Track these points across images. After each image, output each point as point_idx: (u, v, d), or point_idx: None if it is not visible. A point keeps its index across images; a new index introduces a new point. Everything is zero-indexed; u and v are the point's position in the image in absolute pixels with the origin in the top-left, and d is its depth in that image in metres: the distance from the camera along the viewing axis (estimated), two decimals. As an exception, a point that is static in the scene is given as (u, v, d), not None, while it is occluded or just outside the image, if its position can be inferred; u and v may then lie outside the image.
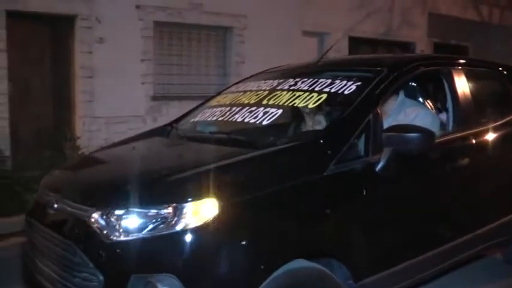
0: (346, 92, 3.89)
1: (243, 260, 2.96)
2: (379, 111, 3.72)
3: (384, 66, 4.11)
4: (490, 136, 4.59)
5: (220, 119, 4.23)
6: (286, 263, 3.05)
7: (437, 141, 4.03)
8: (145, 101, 9.72)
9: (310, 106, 3.92)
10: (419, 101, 4.61)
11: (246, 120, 4.00)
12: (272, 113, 3.94)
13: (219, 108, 4.41)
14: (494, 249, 5.12)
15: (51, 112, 9.39)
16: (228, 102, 4.46)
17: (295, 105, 4.00)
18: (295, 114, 4.07)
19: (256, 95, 4.32)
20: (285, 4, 11.25)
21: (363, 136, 3.58)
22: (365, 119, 3.61)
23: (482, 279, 5.07)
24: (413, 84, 4.66)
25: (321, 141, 3.48)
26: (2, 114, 8.64)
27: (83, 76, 9.38)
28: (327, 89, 4.00)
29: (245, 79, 4.89)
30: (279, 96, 4.13)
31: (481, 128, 4.55)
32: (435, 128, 4.28)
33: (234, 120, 4.10)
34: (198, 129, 4.26)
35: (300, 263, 3.14)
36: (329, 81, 4.08)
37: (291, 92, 4.13)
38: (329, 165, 3.35)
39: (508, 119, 4.92)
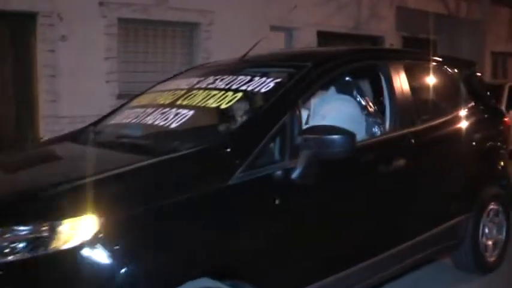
0: (262, 90, 3.43)
1: (131, 282, 2.50)
2: (298, 110, 3.27)
3: (309, 61, 3.60)
4: (432, 135, 4.13)
5: (132, 121, 3.74)
6: (188, 282, 2.63)
7: (366, 142, 3.52)
8: (110, 100, 9.19)
9: (223, 106, 3.41)
10: (349, 97, 4.07)
11: (155, 123, 3.53)
12: (183, 114, 3.48)
13: (135, 110, 3.93)
14: (443, 254, 4.58)
15: (13, 112, 8.90)
16: (144, 103, 3.96)
17: (208, 105, 3.48)
18: (206, 115, 3.54)
19: (173, 94, 3.85)
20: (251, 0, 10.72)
21: (278, 139, 3.12)
22: (280, 120, 3.15)
23: (431, 285, 4.67)
24: (348, 79, 4.12)
25: (226, 146, 3.00)
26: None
27: (45, 75, 8.89)
28: (243, 87, 3.54)
29: (172, 77, 4.35)
30: (193, 96, 3.67)
31: (421, 127, 4.08)
32: (357, 127, 3.76)
33: (144, 123, 3.60)
34: (107, 133, 3.75)
35: (203, 283, 2.71)
36: (248, 78, 3.62)
37: (206, 91, 3.65)
38: (235, 173, 2.88)
39: (451, 116, 4.43)
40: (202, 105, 3.51)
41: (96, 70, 9.20)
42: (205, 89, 3.69)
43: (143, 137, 3.49)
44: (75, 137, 3.88)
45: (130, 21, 9.62)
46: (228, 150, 2.96)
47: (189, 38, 10.31)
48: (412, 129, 3.94)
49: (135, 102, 4.18)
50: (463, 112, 4.59)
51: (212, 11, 10.35)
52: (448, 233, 4.27)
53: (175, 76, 4.36)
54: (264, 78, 3.52)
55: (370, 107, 4.11)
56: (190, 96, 3.66)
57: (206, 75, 3.96)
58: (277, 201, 3.00)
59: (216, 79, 3.77)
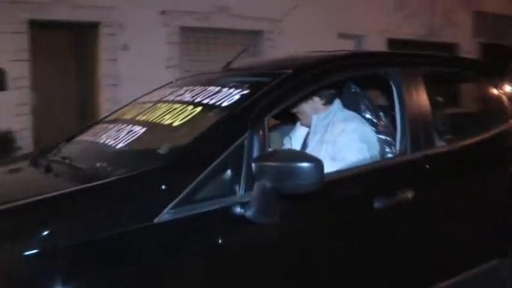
0: (224, 104, 2.70)
1: None
2: (261, 130, 2.54)
3: (290, 69, 2.87)
4: (456, 160, 3.22)
5: (89, 139, 3.14)
6: None
7: (352, 172, 2.74)
8: (170, 109, 8.71)
9: (176, 123, 2.73)
10: (354, 115, 3.25)
11: (105, 142, 2.92)
12: (134, 132, 2.85)
13: (102, 125, 3.33)
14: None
15: (76, 121, 8.62)
16: (113, 118, 3.37)
17: (162, 122, 2.83)
18: (156, 134, 2.87)
19: (141, 107, 3.23)
20: (319, 6, 9.90)
21: (231, 166, 2.42)
22: (235, 142, 2.45)
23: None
24: (354, 90, 3.32)
25: (157, 174, 2.33)
26: (25, 125, 8.05)
27: (107, 84, 8.62)
28: (206, 100, 2.88)
29: (161, 87, 3.72)
30: (154, 111, 3.04)
31: (441, 149, 3.20)
32: (368, 151, 2.98)
33: (97, 141, 3.02)
34: (60, 152, 3.17)
35: None
36: (217, 89, 2.94)
37: (169, 105, 3.02)
38: (164, 209, 2.22)
39: (486, 135, 3.45)
40: (157, 121, 2.87)
41: (157, 79, 8.55)
42: (170, 102, 3.06)
43: (83, 159, 2.90)
44: (36, 154, 3.34)
45: (192, 29, 9.14)
46: (159, 179, 2.29)
47: (253, 47, 9.63)
48: (429, 152, 3.06)
49: (108, 117, 3.59)
50: (501, 131, 3.61)
51: (277, 18, 9.66)
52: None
53: (162, 87, 3.72)
54: (232, 90, 2.84)
55: (382, 123, 3.28)
56: (152, 111, 3.05)
57: (183, 85, 3.31)
58: (220, 241, 2.30)
59: (187, 90, 3.14)
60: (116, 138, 2.86)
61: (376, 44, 10.29)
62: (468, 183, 3.25)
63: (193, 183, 2.29)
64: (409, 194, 2.89)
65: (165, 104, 3.04)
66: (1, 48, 7.77)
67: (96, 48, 8.65)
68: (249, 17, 9.38)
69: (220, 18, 9.23)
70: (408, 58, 3.40)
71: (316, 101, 3.23)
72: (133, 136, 2.81)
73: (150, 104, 3.18)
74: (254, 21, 9.52)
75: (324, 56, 3.23)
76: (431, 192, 3.02)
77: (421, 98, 3.12)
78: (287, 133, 3.55)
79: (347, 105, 3.32)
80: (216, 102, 2.77)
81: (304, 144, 3.29)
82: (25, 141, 8.02)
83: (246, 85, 2.83)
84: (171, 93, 3.22)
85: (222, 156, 2.38)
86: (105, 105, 8.59)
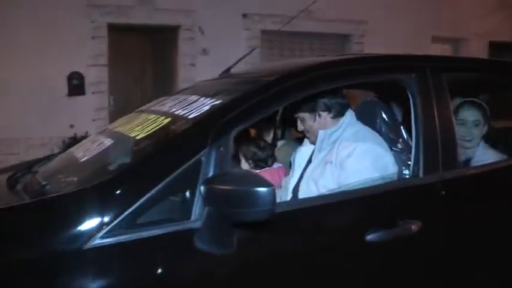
0: (190, 116, 2.33)
1: None
2: (224, 146, 2.15)
3: (274, 75, 2.46)
4: (481, 185, 2.65)
5: (74, 150, 2.88)
6: None
7: (354, 193, 2.26)
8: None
9: (140, 136, 2.39)
10: (369, 129, 2.72)
11: (76, 155, 2.62)
12: (102, 145, 2.56)
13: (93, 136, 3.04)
14: None
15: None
16: (107, 127, 3.08)
17: (130, 134, 2.51)
18: (119, 147, 2.54)
19: (129, 118, 2.91)
20: (411, 8, 9.13)
21: (184, 186, 2.07)
22: (189, 160, 2.09)
23: None
24: (370, 99, 2.80)
25: (91, 192, 2.03)
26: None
27: (186, 89, 8.37)
28: (178, 111, 2.50)
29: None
30: (131, 121, 2.69)
31: (463, 172, 2.68)
32: (382, 179, 2.46)
33: (74, 153, 2.74)
34: (42, 165, 2.91)
35: None
36: (195, 98, 2.56)
37: (147, 115, 2.70)
38: (97, 233, 1.93)
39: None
40: (126, 133, 2.54)
41: (237, 85, 8.48)
42: (150, 112, 2.74)
43: (48, 173, 2.63)
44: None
45: (273, 33, 8.69)
46: (94, 200, 1.99)
47: (340, 51, 9.09)
48: (447, 175, 2.48)
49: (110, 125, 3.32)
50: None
51: (365, 21, 9.05)
52: None
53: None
54: (207, 99, 2.44)
55: (401, 140, 2.73)
56: (130, 122, 2.72)
57: (180, 93, 2.96)
58: (159, 271, 1.97)
59: (172, 98, 2.78)
60: (87, 150, 2.58)
61: (477, 48, 9.36)
62: (497, 217, 2.61)
63: (135, 205, 1.97)
64: (414, 226, 2.33)
65: (144, 114, 2.70)
66: (80, 53, 7.83)
67: (175, 53, 8.50)
68: (334, 20, 8.86)
69: (303, 22, 8.72)
70: (428, 62, 2.78)
71: (324, 116, 2.73)
72: (99, 149, 2.52)
73: (136, 115, 2.85)
74: (340, 24, 8.98)
75: (315, 62, 2.73)
76: (444, 224, 2.45)
77: (442, 110, 2.55)
78: (296, 148, 3.08)
79: (361, 118, 2.79)
80: (185, 113, 2.39)
81: (309, 163, 2.80)
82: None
83: (222, 94, 2.42)
84: (159, 102, 2.87)
85: (172, 176, 2.03)
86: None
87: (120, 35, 8.14)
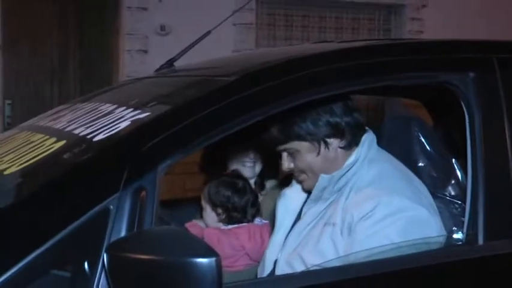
0: (97, 138, 1.45)
1: None
2: (145, 191, 1.31)
3: (238, 73, 1.58)
4: None
5: None
6: None
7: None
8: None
9: (12, 169, 1.52)
10: (398, 164, 1.78)
11: None
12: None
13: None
14: None
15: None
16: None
17: None
18: None
19: (4, 138, 1.95)
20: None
21: (77, 256, 1.29)
22: (83, 213, 1.27)
23: None
24: (407, 113, 1.98)
25: None
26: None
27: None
28: (79, 129, 1.58)
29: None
30: (6, 144, 1.77)
31: None
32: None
33: None
34: None
35: None
36: (111, 108, 1.67)
37: (30, 135, 1.78)
38: None
39: None
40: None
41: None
42: (36, 129, 1.77)
43: None
44: None
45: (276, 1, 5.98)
46: None
47: (382, 32, 6.29)
48: None
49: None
50: None
51: None
52: None
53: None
54: (129, 110, 1.52)
55: (451, 180, 1.88)
56: (8, 143, 1.77)
57: (89, 99, 2.00)
58: None
59: (74, 108, 1.84)
60: None
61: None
62: None
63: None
64: None
65: (25, 134, 1.75)
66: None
67: (115, 31, 5.30)
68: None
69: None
70: (497, 52, 1.85)
71: (334, 146, 1.72)
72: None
73: (15, 132, 1.89)
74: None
75: (308, 52, 1.79)
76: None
77: None
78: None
79: (387, 144, 1.88)
80: (89, 132, 1.47)
81: (298, 220, 1.85)
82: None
83: (152, 102, 1.55)
84: (54, 114, 1.91)
85: (56, 238, 1.25)
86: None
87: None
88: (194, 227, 2.26)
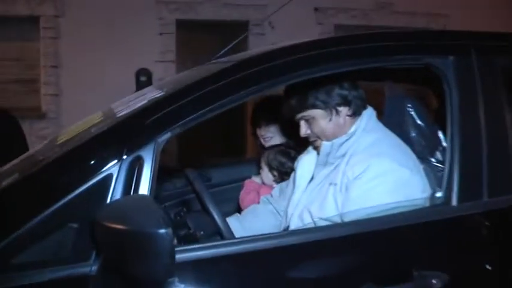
0: (118, 115, 1.79)
1: None
2: (142, 160, 1.52)
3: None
4: None
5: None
6: None
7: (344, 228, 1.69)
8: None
9: (62, 140, 1.88)
10: (392, 136, 1.97)
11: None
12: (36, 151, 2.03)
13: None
14: None
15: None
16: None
17: (61, 136, 1.98)
18: (42, 153, 1.94)
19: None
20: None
21: (82, 216, 1.48)
22: (89, 178, 1.49)
23: None
24: (400, 93, 2.15)
25: None
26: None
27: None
28: (121, 108, 1.90)
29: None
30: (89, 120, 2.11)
31: None
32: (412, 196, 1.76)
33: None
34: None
35: None
36: (153, 91, 1.94)
37: (100, 112, 2.12)
38: None
39: None
40: (62, 136, 1.99)
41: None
42: (110, 108, 2.13)
43: None
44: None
45: (348, 27, 8.02)
46: None
47: None
48: (494, 204, 1.70)
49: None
50: None
51: (446, 14, 8.05)
52: None
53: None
54: (157, 92, 1.86)
55: (438, 147, 2.02)
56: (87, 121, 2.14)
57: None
58: None
59: (140, 93, 2.19)
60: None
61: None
62: None
63: (9, 239, 1.42)
64: (436, 281, 1.57)
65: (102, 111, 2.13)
66: (148, 49, 7.52)
67: (245, 49, 7.96)
68: (416, 13, 7.94)
69: (381, 16, 7.96)
70: (473, 40, 1.94)
71: (343, 113, 1.93)
72: (29, 155, 1.97)
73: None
74: (421, 18, 8.05)
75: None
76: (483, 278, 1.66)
77: (492, 109, 1.77)
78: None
79: (386, 119, 2.08)
80: (120, 110, 1.81)
81: (311, 180, 2.09)
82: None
83: (175, 84, 1.85)
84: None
85: (67, 198, 1.46)
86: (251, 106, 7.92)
87: (188, 31, 7.81)
88: (252, 183, 2.71)
